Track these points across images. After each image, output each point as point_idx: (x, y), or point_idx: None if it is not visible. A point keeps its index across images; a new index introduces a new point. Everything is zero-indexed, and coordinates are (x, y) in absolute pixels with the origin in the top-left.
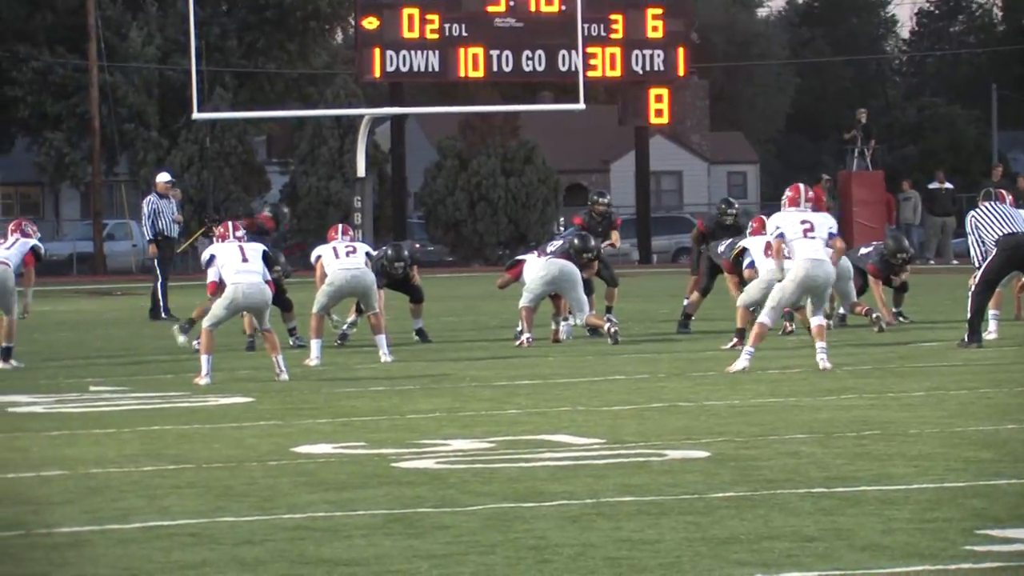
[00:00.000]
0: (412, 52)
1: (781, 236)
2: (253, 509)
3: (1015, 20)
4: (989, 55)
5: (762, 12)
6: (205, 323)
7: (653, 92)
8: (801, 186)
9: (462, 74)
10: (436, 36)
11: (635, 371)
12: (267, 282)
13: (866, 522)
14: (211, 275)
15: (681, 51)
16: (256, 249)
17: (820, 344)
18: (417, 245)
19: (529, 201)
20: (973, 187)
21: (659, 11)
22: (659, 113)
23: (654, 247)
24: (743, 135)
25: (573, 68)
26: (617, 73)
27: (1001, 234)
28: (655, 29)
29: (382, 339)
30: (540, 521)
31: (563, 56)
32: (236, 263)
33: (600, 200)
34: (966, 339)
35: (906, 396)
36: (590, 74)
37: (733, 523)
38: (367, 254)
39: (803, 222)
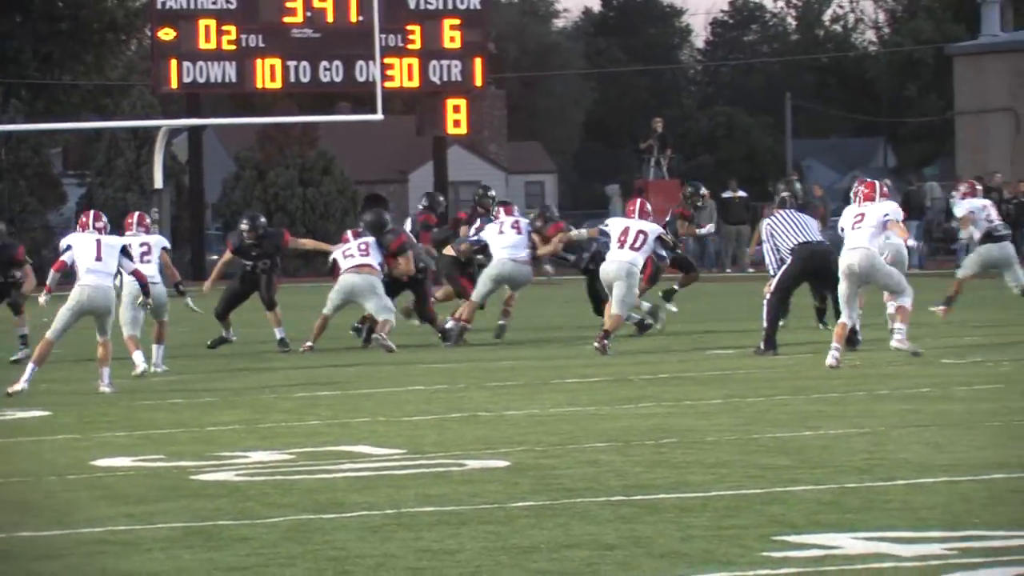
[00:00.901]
0: (209, 63)
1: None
2: (52, 524)
3: (808, 29)
4: (783, 64)
5: (558, 23)
6: (49, 333)
7: (451, 102)
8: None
9: (259, 85)
10: (233, 47)
11: (434, 381)
12: (132, 273)
13: (664, 529)
14: (64, 257)
15: (478, 61)
16: (114, 245)
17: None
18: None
19: (327, 212)
20: (767, 196)
21: (456, 22)
22: (457, 123)
23: None
24: (540, 145)
25: (371, 79)
26: (415, 84)
27: (796, 243)
28: (452, 40)
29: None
30: (340, 532)
31: (361, 67)
32: (90, 260)
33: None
34: (762, 347)
35: (703, 404)
36: (388, 85)
37: (533, 532)
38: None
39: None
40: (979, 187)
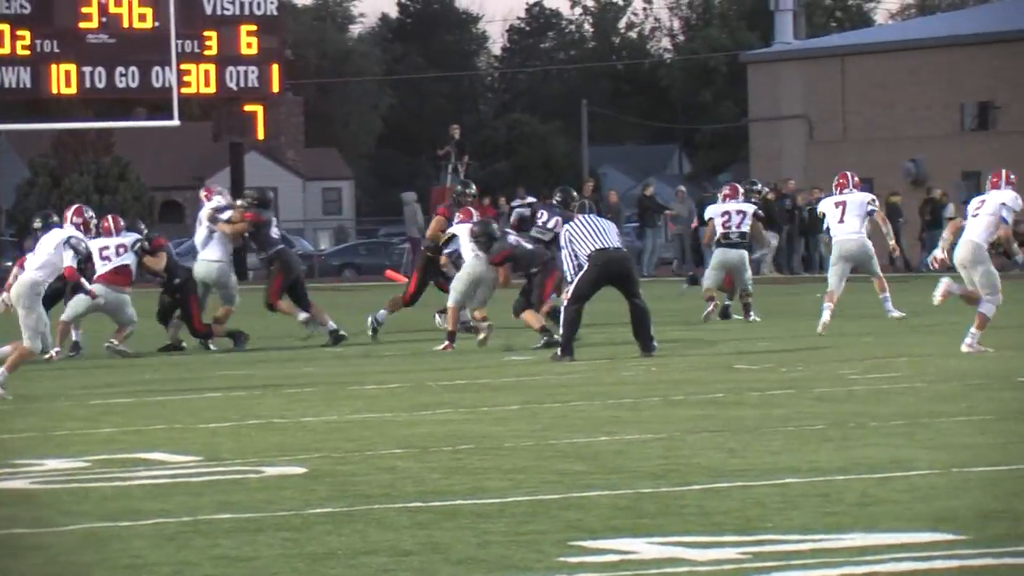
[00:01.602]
0: (2, 68)
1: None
2: None
3: (604, 36)
4: (579, 71)
5: (355, 29)
6: None
7: (247, 108)
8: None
9: (55, 91)
10: (27, 52)
11: (231, 387)
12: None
13: (462, 536)
14: (67, 259)
15: (275, 68)
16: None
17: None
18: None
19: (124, 218)
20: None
21: (253, 28)
22: (253, 130)
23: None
24: (337, 151)
25: (167, 84)
26: (212, 90)
27: (594, 249)
28: (249, 46)
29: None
30: (136, 540)
31: (157, 73)
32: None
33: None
34: (559, 353)
35: (500, 410)
36: (184, 91)
37: (330, 539)
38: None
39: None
40: (741, 191)
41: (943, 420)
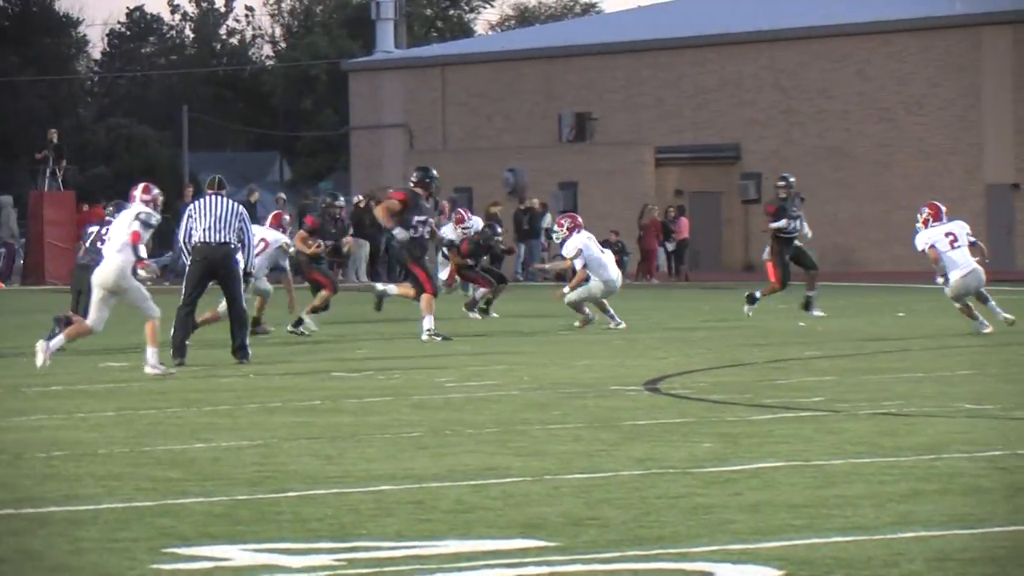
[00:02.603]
0: None
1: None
2: None
3: (205, 43)
4: (180, 76)
5: None
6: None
7: None
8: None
9: None
10: None
11: None
12: None
13: (55, 543)
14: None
15: None
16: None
17: None
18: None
19: None
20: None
21: None
22: None
23: None
24: None
25: None
26: None
27: (200, 243)
28: None
29: None
30: None
31: None
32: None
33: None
34: (172, 354)
35: (96, 416)
36: None
37: None
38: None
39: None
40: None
41: (537, 427)
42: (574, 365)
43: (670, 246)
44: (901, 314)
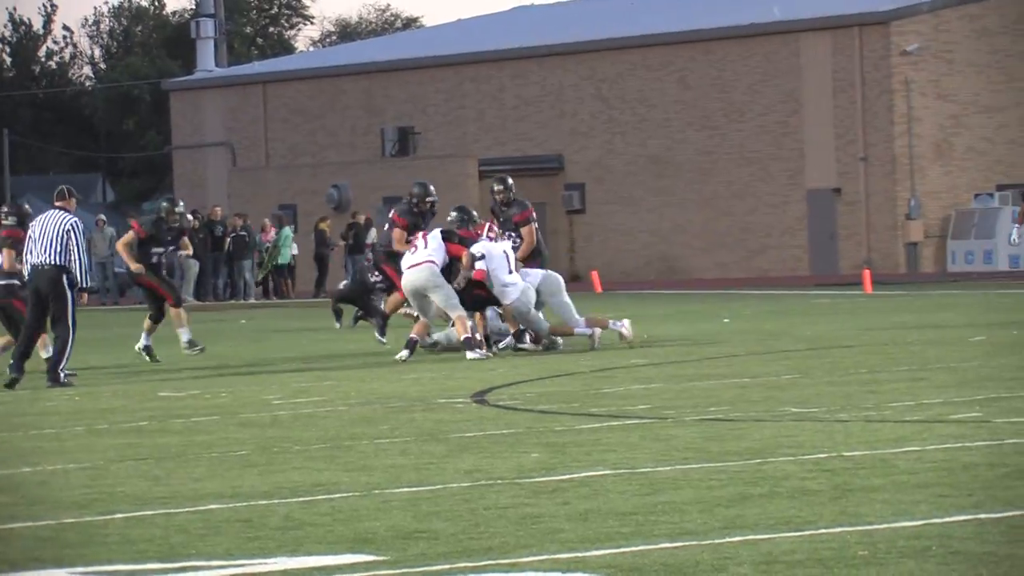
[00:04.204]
0: None
1: None
2: None
3: (24, 65)
4: (1, 99)
5: None
6: None
7: None
8: None
9: None
10: None
11: None
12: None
13: None
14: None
15: None
16: None
17: None
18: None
19: None
20: None
21: None
22: None
23: None
24: None
25: None
26: None
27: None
28: None
29: None
30: None
31: None
32: None
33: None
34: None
35: None
36: None
37: None
38: None
39: None
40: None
41: (365, 442)
42: (401, 379)
43: None
44: (727, 320)
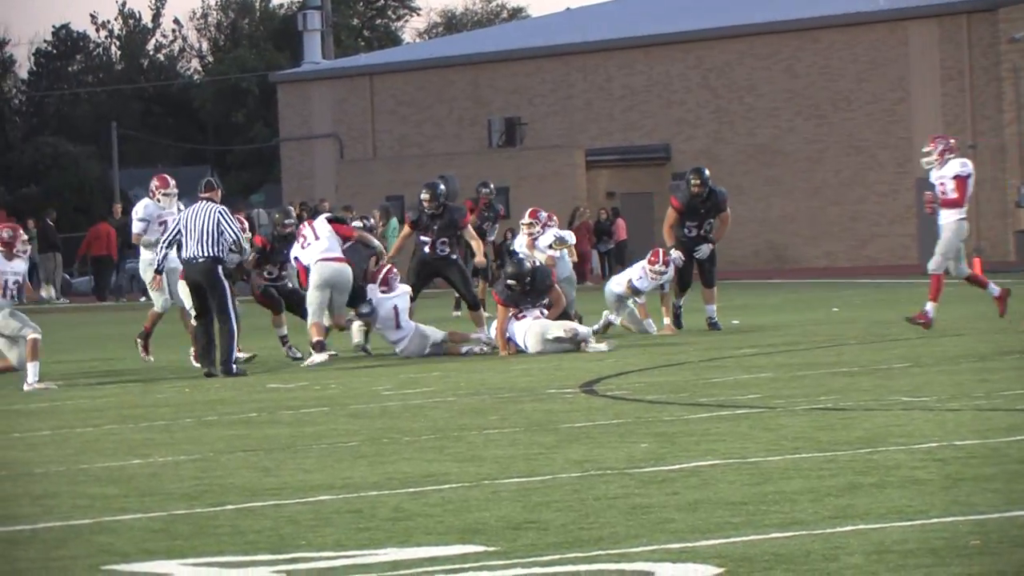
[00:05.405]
0: None
1: None
2: None
3: (132, 59)
4: (109, 93)
5: None
6: None
7: None
8: None
9: None
10: None
11: None
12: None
13: None
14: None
15: None
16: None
17: None
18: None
19: None
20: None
21: None
22: None
23: None
24: None
25: None
26: None
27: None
28: None
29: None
30: None
31: None
32: None
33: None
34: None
35: (31, 436)
36: None
37: None
38: None
39: None
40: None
41: (474, 433)
42: (510, 370)
43: (603, 248)
44: (836, 309)
